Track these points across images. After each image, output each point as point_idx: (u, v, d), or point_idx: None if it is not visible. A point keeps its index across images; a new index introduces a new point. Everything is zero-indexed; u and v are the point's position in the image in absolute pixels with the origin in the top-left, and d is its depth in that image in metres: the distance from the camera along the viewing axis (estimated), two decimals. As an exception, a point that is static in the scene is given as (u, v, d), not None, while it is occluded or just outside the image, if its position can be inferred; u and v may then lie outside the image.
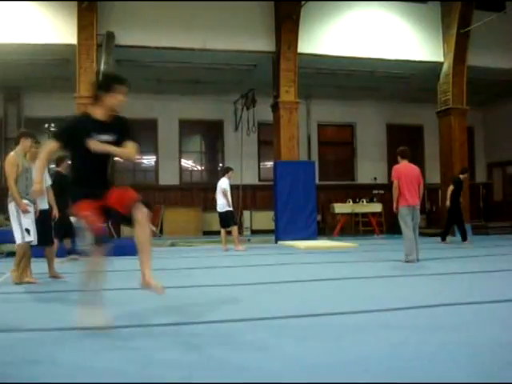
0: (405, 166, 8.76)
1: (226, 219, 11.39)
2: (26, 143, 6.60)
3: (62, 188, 7.47)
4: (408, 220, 8.51)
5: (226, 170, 11.99)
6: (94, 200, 4.03)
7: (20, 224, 6.32)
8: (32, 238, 6.42)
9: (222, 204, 11.36)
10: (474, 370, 2.83)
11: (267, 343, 3.46)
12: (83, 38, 12.39)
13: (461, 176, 13.06)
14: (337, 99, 18.38)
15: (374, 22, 14.79)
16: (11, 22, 12.29)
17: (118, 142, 4.16)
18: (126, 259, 9.56)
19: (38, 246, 7.02)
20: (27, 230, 6.35)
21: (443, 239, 12.93)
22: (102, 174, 4.26)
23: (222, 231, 11.63)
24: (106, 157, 4.20)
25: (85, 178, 4.18)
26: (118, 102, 4.12)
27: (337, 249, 11.63)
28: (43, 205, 6.90)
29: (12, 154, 6.51)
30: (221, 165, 18.84)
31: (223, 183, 11.46)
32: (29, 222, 6.38)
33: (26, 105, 16.74)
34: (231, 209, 11.47)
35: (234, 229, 11.50)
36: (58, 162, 9.30)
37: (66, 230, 8.53)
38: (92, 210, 3.94)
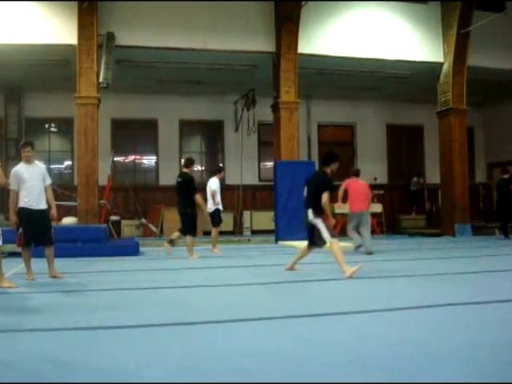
0: (355, 181, 11.06)
1: (214, 218, 11.16)
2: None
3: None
4: (351, 222, 10.83)
5: (218, 170, 11.74)
6: None
7: None
8: (1, 242, 6.14)
9: (211, 204, 11.15)
10: (474, 369, 2.83)
11: (267, 343, 3.47)
12: (83, 38, 12.38)
13: (505, 176, 14.21)
14: (337, 99, 18.37)
15: (373, 22, 14.78)
16: (11, 22, 12.28)
17: None
18: (127, 259, 9.59)
19: (38, 246, 7.02)
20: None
21: (506, 235, 13.81)
22: None
23: (214, 232, 11.27)
24: None
25: None
26: None
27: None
28: (42, 205, 6.88)
29: None
30: (221, 165, 18.85)
31: (213, 184, 11.19)
32: None
33: (26, 105, 16.74)
34: (220, 207, 11.15)
35: (216, 230, 11.17)
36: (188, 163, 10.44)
37: None
38: None
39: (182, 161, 13.69)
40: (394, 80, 16.42)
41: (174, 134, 17.99)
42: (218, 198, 11.12)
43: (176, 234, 10.24)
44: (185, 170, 10.34)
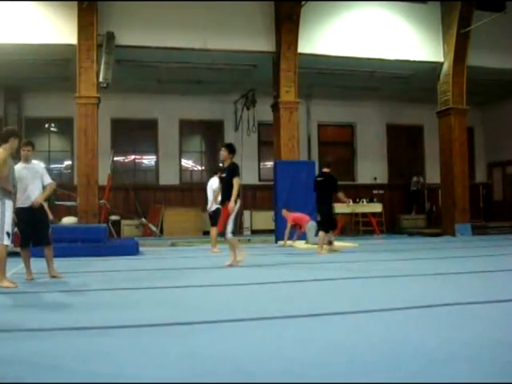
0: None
1: (216, 218, 11.15)
2: (14, 143, 6.47)
3: None
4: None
5: (219, 170, 11.77)
6: None
7: (2, 225, 6.08)
8: (10, 242, 6.19)
9: (211, 203, 11.22)
10: (474, 369, 2.83)
11: (267, 343, 3.46)
12: (83, 38, 12.39)
13: None
14: (337, 99, 18.38)
15: (373, 22, 14.79)
16: (11, 22, 12.29)
17: None
18: (127, 259, 9.60)
19: (37, 247, 7.02)
20: (8, 234, 6.12)
21: None
22: None
23: (213, 230, 11.26)
24: None
25: None
26: None
27: (337, 249, 11.62)
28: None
29: (1, 150, 6.27)
30: (221, 165, 18.83)
31: (215, 184, 11.19)
32: (9, 224, 6.17)
33: (26, 105, 16.74)
34: (220, 207, 11.16)
35: (215, 229, 11.08)
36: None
37: None
38: None
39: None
40: (394, 80, 16.43)
41: (174, 134, 18.00)
42: (219, 197, 11.09)
43: (328, 235, 10.81)
44: (325, 170, 10.78)
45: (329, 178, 10.52)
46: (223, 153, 8.27)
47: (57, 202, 13.06)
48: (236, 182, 8.01)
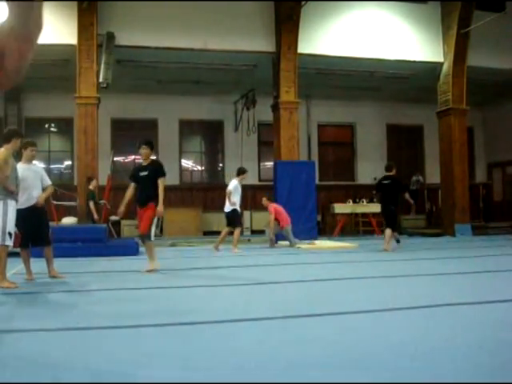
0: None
1: (231, 219, 11.28)
2: (17, 143, 6.47)
3: None
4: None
5: (240, 172, 11.65)
6: None
7: (4, 226, 6.07)
8: (12, 243, 6.19)
9: (228, 204, 11.30)
10: (474, 369, 2.83)
11: (266, 343, 3.46)
12: (83, 38, 12.39)
13: None
14: (337, 99, 18.38)
15: (373, 22, 14.79)
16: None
17: None
18: (126, 259, 9.59)
19: (36, 247, 7.01)
20: (9, 234, 6.11)
21: None
22: None
23: (224, 230, 11.50)
24: None
25: None
26: None
27: (337, 249, 11.63)
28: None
29: (3, 150, 6.25)
30: (221, 165, 18.85)
31: (231, 185, 11.35)
32: (12, 225, 6.18)
33: (26, 105, 16.74)
34: (236, 208, 11.24)
35: (237, 230, 11.35)
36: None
37: None
38: None
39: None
40: (393, 80, 16.44)
41: (174, 134, 18.00)
42: (234, 199, 11.19)
43: (394, 234, 11.35)
44: (389, 173, 11.35)
45: (394, 180, 11.31)
46: (145, 151, 7.61)
47: (57, 202, 13.06)
48: (162, 182, 7.51)
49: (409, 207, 18.99)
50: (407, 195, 11.77)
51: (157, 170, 7.58)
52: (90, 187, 12.11)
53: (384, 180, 11.43)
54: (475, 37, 14.86)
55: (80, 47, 12.41)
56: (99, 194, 12.84)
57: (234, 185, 11.34)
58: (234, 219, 11.31)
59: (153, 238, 7.59)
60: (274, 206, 12.29)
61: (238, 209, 11.37)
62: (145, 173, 7.58)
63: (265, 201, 12.56)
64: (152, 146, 7.84)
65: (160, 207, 7.44)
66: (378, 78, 16.12)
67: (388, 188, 11.24)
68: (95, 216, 11.84)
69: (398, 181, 11.48)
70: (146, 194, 7.52)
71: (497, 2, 15.27)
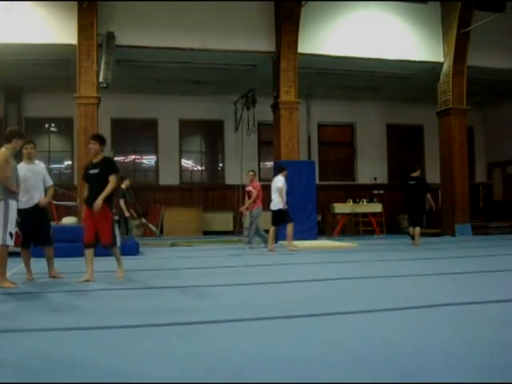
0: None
1: (281, 217, 11.08)
2: (18, 144, 6.47)
3: None
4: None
5: (282, 169, 11.55)
6: None
7: (5, 226, 6.07)
8: (12, 243, 6.19)
9: (275, 202, 11.14)
10: (474, 369, 2.83)
11: (267, 343, 3.46)
12: (83, 38, 12.38)
13: None
14: (337, 99, 18.38)
15: (374, 22, 14.78)
16: (11, 22, 12.28)
17: None
18: (126, 259, 9.58)
19: (37, 247, 7.01)
20: (10, 234, 6.11)
21: None
22: None
23: (272, 229, 11.29)
24: None
25: None
26: None
27: (337, 249, 11.63)
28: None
29: (3, 150, 6.26)
30: (221, 164, 18.84)
31: (279, 181, 11.17)
32: (13, 225, 6.18)
33: (26, 105, 16.74)
34: (286, 207, 11.08)
35: (290, 226, 11.15)
36: None
37: None
38: None
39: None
40: (393, 80, 16.44)
41: (173, 134, 18.00)
42: (285, 196, 11.13)
43: (411, 229, 12.13)
44: (415, 174, 12.02)
45: (420, 181, 12.04)
46: (94, 146, 6.98)
47: (57, 202, 13.06)
48: (112, 179, 6.75)
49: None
50: (429, 196, 12.11)
51: (108, 167, 6.92)
52: (122, 186, 12.03)
53: (410, 181, 12.02)
54: (475, 37, 14.85)
55: (80, 47, 12.40)
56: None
57: (282, 181, 11.13)
58: (285, 216, 11.07)
59: (119, 243, 6.88)
60: (258, 186, 11.79)
61: (286, 206, 11.16)
62: (95, 171, 6.86)
63: (251, 175, 12.06)
64: (102, 140, 7.20)
65: (99, 201, 6.47)
66: (378, 77, 16.12)
67: (414, 188, 11.87)
68: (126, 214, 11.87)
69: (423, 181, 12.11)
70: (97, 195, 6.57)
71: (497, 1, 15.26)
